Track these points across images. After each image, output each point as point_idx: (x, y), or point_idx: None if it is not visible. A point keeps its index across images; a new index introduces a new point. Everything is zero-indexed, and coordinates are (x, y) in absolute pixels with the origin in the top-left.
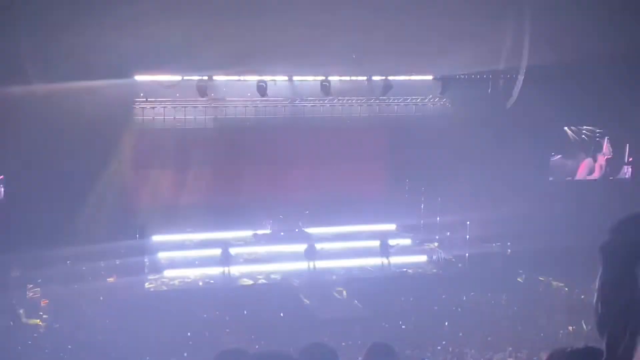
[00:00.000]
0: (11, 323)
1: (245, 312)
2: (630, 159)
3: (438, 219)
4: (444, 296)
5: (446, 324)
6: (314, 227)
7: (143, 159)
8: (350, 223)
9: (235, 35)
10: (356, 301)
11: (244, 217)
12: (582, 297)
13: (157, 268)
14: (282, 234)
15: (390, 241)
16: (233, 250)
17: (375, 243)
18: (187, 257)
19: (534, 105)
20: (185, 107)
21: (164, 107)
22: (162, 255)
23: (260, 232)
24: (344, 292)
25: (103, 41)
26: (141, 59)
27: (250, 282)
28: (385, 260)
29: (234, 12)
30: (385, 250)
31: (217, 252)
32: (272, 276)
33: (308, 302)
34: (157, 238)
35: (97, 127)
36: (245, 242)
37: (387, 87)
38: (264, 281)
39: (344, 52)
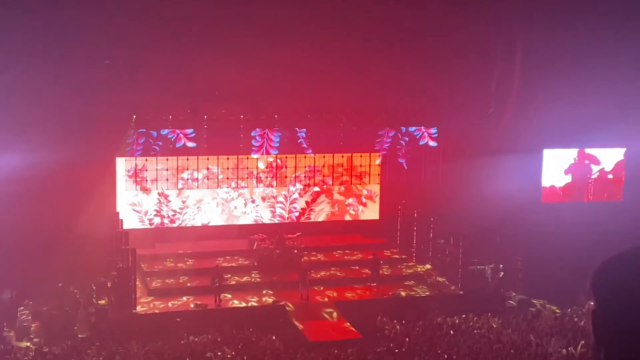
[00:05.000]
0: (1, 346)
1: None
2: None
3: (431, 240)
4: (437, 319)
5: (439, 346)
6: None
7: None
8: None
9: None
10: (348, 323)
11: None
12: (575, 320)
13: (149, 291)
14: None
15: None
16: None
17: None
18: (179, 280)
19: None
20: None
21: None
22: (154, 277)
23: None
24: (334, 314)
25: None
26: None
27: (242, 304)
28: (377, 281)
29: None
30: (376, 270)
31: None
32: (264, 299)
33: (301, 326)
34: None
35: None
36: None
37: None
38: (254, 304)
39: None
